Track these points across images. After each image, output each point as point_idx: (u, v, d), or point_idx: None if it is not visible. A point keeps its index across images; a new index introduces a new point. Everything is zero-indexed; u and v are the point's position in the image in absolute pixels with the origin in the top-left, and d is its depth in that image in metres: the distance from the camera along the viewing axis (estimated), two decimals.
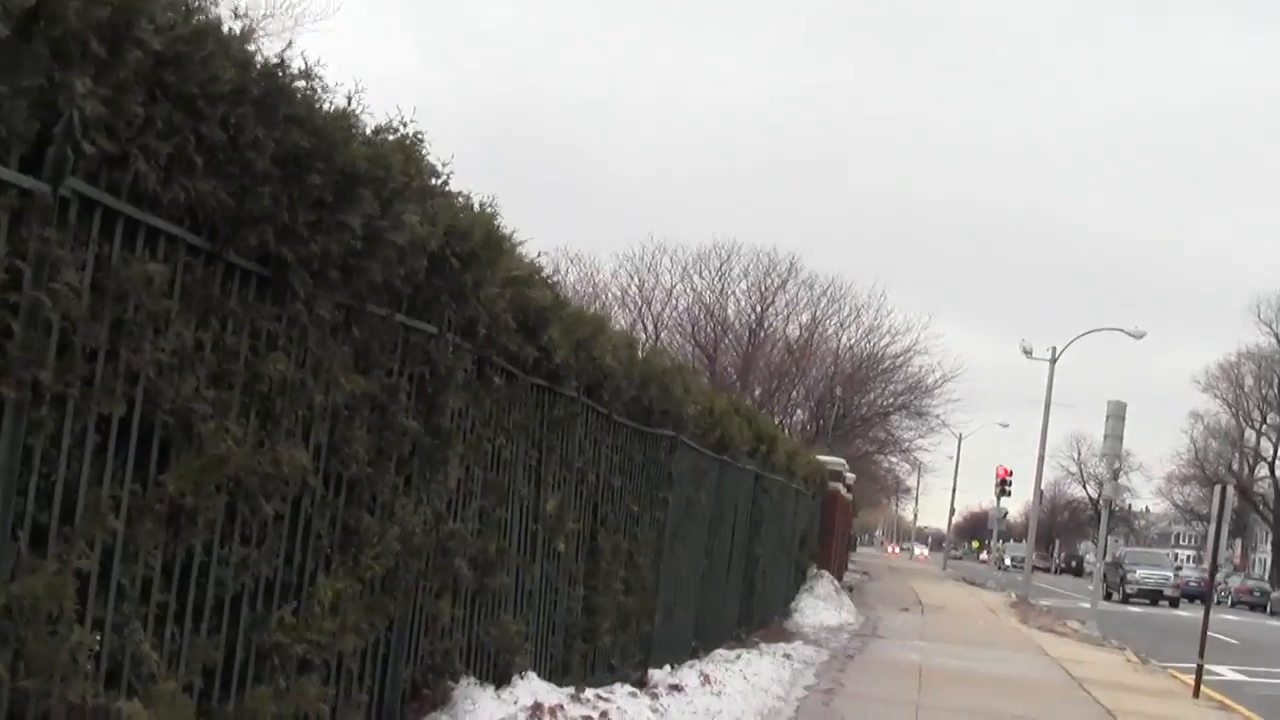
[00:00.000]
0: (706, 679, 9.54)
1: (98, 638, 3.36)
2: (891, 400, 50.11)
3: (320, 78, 3.99)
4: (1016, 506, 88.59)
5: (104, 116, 3.12)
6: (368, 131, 4.41)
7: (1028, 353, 38.43)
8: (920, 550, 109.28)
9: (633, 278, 44.56)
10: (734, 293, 46.18)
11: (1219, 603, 45.42)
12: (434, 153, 4.93)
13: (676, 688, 8.91)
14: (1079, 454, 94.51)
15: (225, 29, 3.59)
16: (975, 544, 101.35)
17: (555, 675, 7.31)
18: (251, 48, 3.71)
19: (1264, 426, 73.22)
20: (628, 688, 8.12)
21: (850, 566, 40.10)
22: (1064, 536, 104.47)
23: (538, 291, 6.38)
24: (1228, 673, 18.13)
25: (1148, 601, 40.67)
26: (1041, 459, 38.76)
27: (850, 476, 32.20)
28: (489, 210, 5.65)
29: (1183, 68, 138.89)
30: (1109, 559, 42.78)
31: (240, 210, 3.75)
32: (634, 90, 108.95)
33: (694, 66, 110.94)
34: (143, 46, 3.20)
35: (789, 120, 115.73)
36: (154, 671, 3.60)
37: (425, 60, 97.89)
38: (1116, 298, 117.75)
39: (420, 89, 71.96)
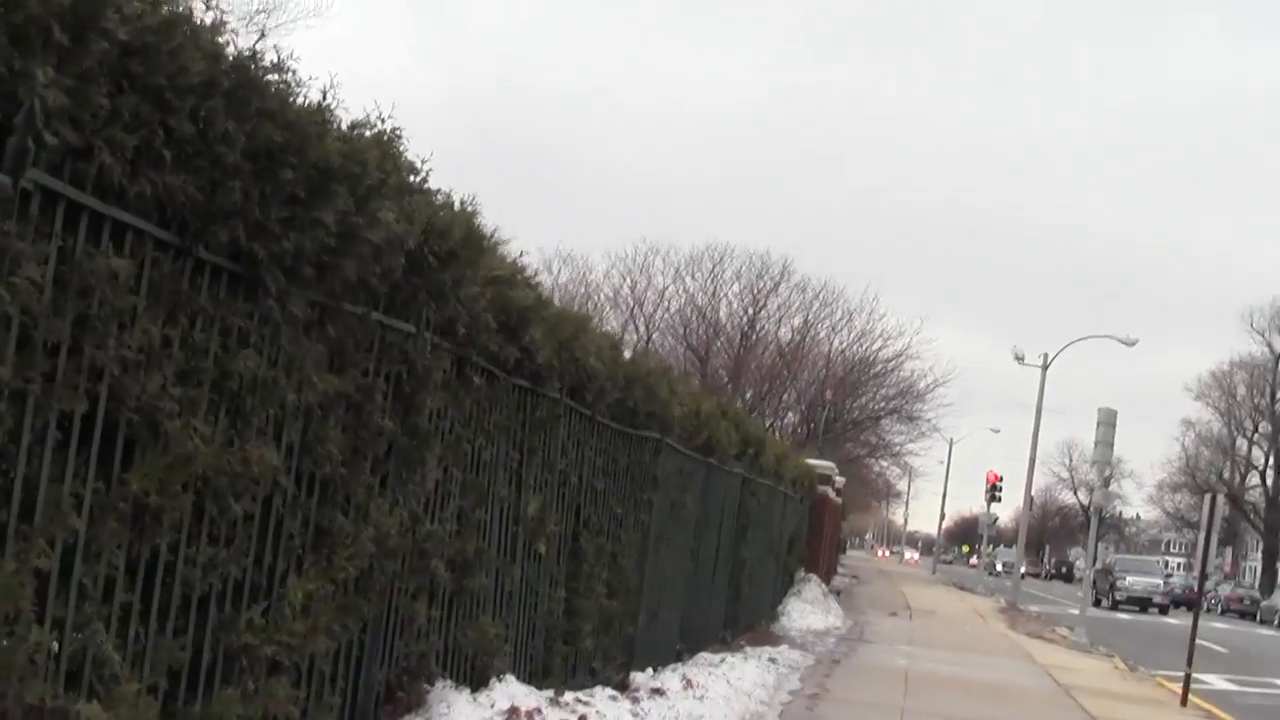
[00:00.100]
0: (689, 683, 9.50)
1: (55, 638, 3.30)
2: (883, 404, 50.22)
3: (294, 71, 3.93)
4: (1007, 512, 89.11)
5: (67, 107, 3.07)
6: (343, 127, 4.35)
7: (1020, 359, 38.47)
8: (910, 554, 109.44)
9: (625, 278, 44.64)
10: (726, 295, 46.29)
11: (1209, 610, 45.47)
12: (413, 149, 4.88)
13: (658, 691, 8.86)
14: (1070, 460, 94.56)
15: (196, 20, 3.53)
16: (966, 549, 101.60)
17: (535, 678, 7.25)
18: (223, 39, 3.65)
19: (1256, 435, 73.40)
20: (608, 691, 8.07)
21: (839, 570, 40.13)
22: (1054, 542, 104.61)
23: (520, 291, 6.33)
24: (1216, 681, 18.08)
25: (1137, 609, 40.64)
26: (1032, 465, 38.77)
27: (840, 480, 32.22)
28: (469, 209, 5.59)
29: (1183, 68, 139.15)
30: (1099, 565, 42.82)
31: (210, 205, 3.70)
32: (630, 90, 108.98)
33: (691, 66, 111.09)
34: (108, 36, 3.15)
35: (786, 120, 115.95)
36: (116, 673, 3.54)
37: (420, 60, 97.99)
38: (1114, 302, 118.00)
39: (414, 88, 71.97)
